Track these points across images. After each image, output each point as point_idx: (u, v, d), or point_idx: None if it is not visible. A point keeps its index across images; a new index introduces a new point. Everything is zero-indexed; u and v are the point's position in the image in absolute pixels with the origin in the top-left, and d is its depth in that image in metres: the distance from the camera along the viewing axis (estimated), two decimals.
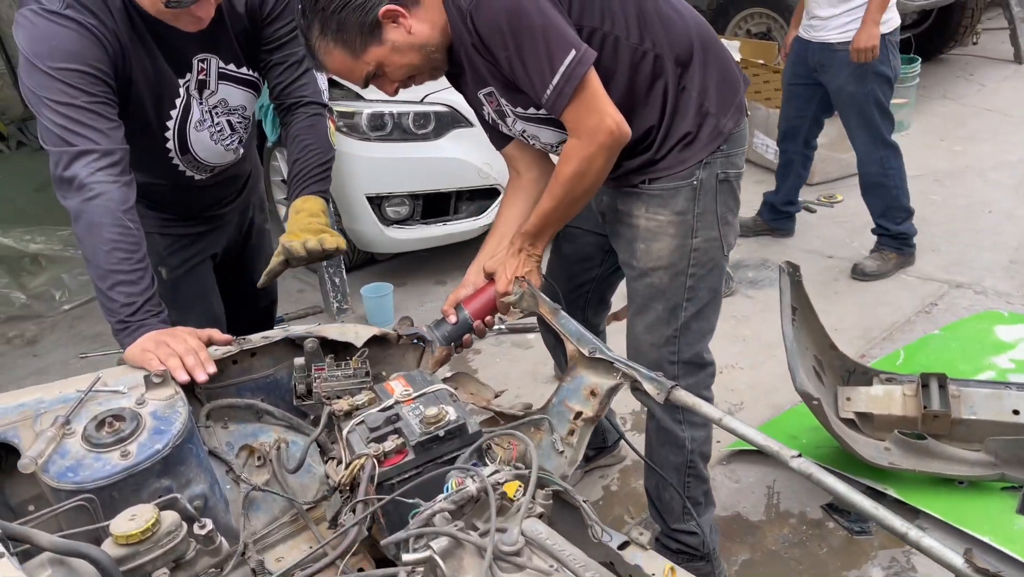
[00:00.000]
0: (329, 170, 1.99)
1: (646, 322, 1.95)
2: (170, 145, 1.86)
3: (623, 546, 1.58)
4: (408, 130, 3.66)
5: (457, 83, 1.87)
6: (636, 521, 2.49)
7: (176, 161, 1.91)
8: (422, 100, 3.66)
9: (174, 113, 1.83)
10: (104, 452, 1.31)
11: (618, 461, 2.72)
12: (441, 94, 3.66)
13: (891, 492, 2.39)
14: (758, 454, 2.64)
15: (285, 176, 4.08)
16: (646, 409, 2.22)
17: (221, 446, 1.59)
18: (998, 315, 3.17)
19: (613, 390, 1.60)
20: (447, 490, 1.25)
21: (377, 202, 3.73)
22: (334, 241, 1.84)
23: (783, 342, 2.25)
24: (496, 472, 1.26)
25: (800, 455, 1.36)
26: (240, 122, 1.99)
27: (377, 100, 3.67)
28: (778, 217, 4.12)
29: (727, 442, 2.73)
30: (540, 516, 1.24)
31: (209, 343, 1.64)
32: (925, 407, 2.38)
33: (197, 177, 1.99)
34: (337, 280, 3.78)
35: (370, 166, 3.67)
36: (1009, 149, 4.89)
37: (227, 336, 1.67)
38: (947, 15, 6.23)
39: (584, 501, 1.33)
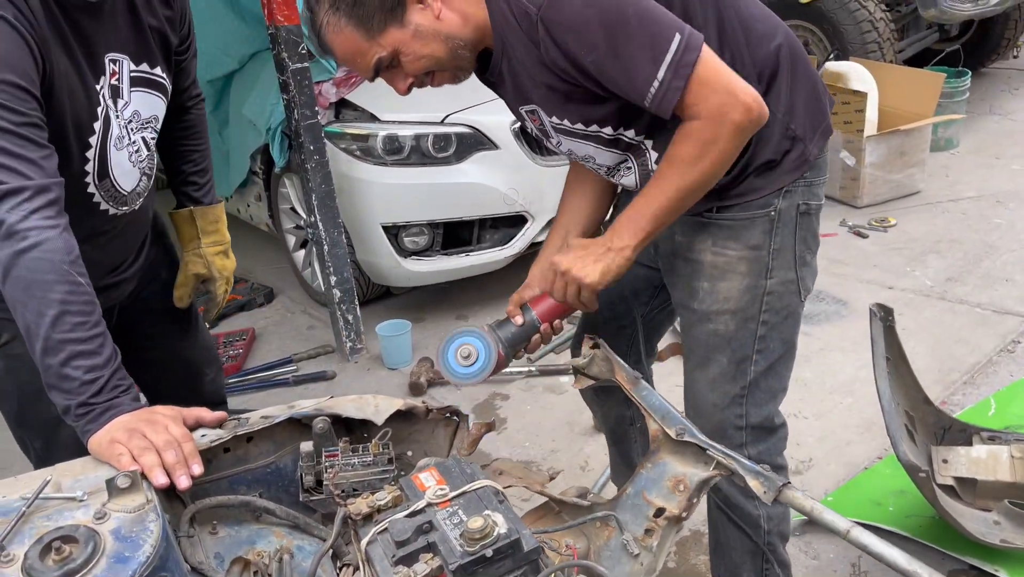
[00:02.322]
0: None
1: (708, 377, 1.64)
2: (89, 168, 1.49)
3: None
4: (427, 153, 3.35)
5: (496, 90, 1.60)
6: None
7: (92, 190, 1.53)
8: (443, 121, 3.35)
9: (97, 127, 1.48)
10: None
11: None
12: (463, 114, 3.36)
13: (1002, 573, 2.03)
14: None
15: (295, 203, 3.81)
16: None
17: (208, 560, 1.25)
18: None
19: (705, 483, 1.28)
20: None
21: (394, 232, 3.42)
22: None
23: (879, 401, 1.90)
24: None
25: None
26: (152, 138, 1.66)
27: (393, 122, 3.37)
28: None
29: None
30: None
31: (196, 426, 1.31)
32: None
33: (111, 212, 1.60)
34: (350, 317, 3.46)
35: (386, 193, 3.36)
36: None
37: (219, 414, 1.35)
38: (989, 27, 5.92)
39: None
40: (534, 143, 3.42)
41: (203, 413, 1.33)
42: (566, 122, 1.49)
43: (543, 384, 3.21)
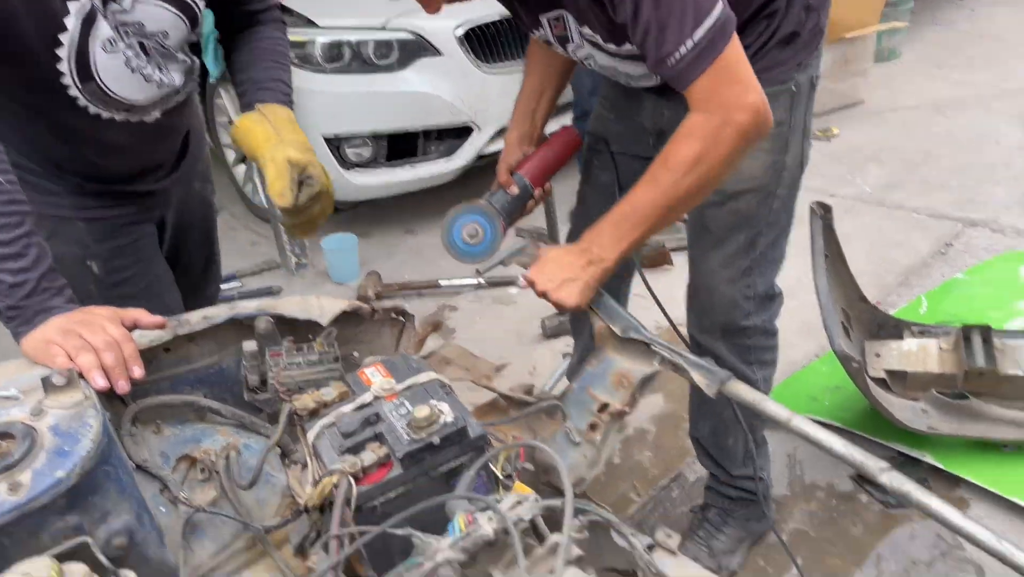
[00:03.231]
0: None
1: (724, 255, 1.66)
2: (63, 68, 1.40)
3: (648, 550, 1.31)
4: (368, 60, 3.25)
5: None
6: (642, 499, 2.22)
7: (76, 93, 1.42)
8: (384, 26, 3.24)
9: (70, 22, 1.38)
10: None
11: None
12: (405, 18, 3.25)
13: (928, 458, 2.15)
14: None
15: (232, 115, 3.68)
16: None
17: (153, 458, 1.25)
18: (1022, 256, 2.92)
19: (648, 379, 1.30)
20: (453, 528, 0.93)
21: (336, 143, 3.33)
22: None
23: (816, 296, 1.96)
24: (519, 502, 0.94)
25: (891, 467, 1.08)
26: (157, 48, 1.52)
27: (332, 27, 3.25)
28: None
29: None
30: (579, 561, 0.93)
31: (133, 328, 1.28)
32: (968, 364, 2.12)
33: (106, 116, 1.49)
34: None
35: (326, 102, 3.26)
36: (1008, 77, 4.63)
37: (158, 318, 1.32)
38: None
39: (632, 534, 1.03)
40: (479, 50, 3.34)
41: (141, 315, 1.30)
42: (599, 37, 1.40)
43: (492, 295, 3.22)
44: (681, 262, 3.10)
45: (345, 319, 1.47)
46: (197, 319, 1.34)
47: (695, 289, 1.75)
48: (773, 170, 1.58)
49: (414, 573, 0.88)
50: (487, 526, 0.91)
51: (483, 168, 3.74)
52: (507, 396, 1.52)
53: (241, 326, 1.37)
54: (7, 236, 1.19)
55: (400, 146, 3.45)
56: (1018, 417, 2.12)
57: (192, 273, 1.91)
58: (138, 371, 1.21)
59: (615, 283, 1.88)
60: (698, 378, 1.21)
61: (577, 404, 1.37)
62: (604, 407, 1.32)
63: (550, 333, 2.91)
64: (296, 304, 1.41)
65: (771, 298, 1.77)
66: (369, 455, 1.12)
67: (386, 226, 3.76)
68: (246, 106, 1.56)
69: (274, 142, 1.50)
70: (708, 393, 1.21)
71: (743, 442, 1.85)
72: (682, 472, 2.29)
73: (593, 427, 1.34)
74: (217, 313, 1.35)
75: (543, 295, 1.37)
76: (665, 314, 1.66)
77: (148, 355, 1.26)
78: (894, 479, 1.02)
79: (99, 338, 1.19)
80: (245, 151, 1.53)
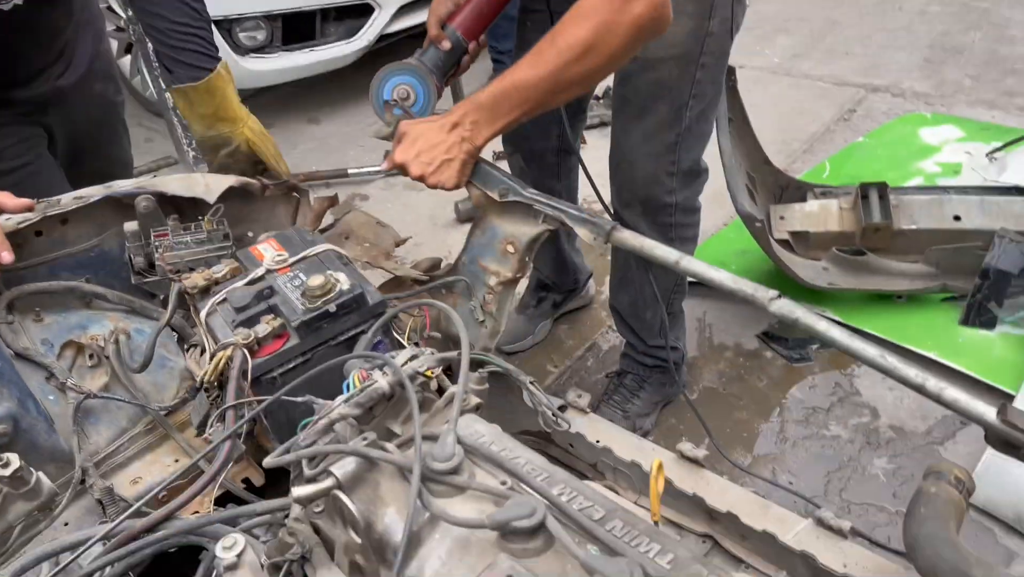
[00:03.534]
0: None
1: (645, 129, 1.60)
2: None
3: (559, 411, 1.33)
4: None
5: None
6: (559, 369, 2.26)
7: None
8: None
9: None
10: None
11: (587, 303, 2.46)
12: None
13: (829, 313, 2.23)
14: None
15: (110, 1, 3.38)
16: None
17: (34, 346, 1.19)
18: (921, 117, 2.99)
19: (535, 240, 1.28)
20: (348, 387, 0.92)
21: (226, 26, 3.13)
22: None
23: (720, 159, 1.96)
24: (414, 356, 0.93)
25: (781, 295, 1.09)
26: None
27: None
28: None
29: None
30: (477, 409, 0.93)
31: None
32: (866, 220, 2.19)
33: None
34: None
35: None
36: None
37: (24, 201, 1.23)
38: None
39: (531, 381, 1.03)
40: None
41: (5, 198, 1.21)
42: None
43: (403, 182, 3.14)
44: (594, 141, 3.09)
45: (235, 197, 1.40)
46: (68, 199, 1.25)
47: (616, 163, 1.69)
48: (695, 37, 1.50)
49: (307, 433, 0.86)
50: (382, 381, 0.89)
51: (387, 51, 3.59)
52: (411, 277, 1.49)
53: (121, 206, 1.29)
54: None
55: (296, 28, 3.26)
56: (911, 269, 2.21)
57: (100, 177, 1.79)
58: (7, 256, 1.14)
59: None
60: (584, 232, 1.19)
61: (471, 277, 1.35)
62: (496, 276, 1.30)
63: (464, 217, 2.87)
64: (179, 181, 1.33)
65: (696, 175, 1.71)
66: (263, 327, 1.09)
67: (287, 116, 3.60)
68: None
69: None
70: (596, 246, 1.20)
71: (659, 315, 1.86)
72: (596, 342, 2.33)
73: (489, 297, 1.33)
74: (91, 192, 1.27)
75: (420, 179, 1.27)
76: (593, 185, 1.64)
77: (17, 239, 1.19)
78: (783, 306, 1.04)
79: None
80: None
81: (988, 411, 0.94)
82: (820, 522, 1.08)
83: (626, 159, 1.66)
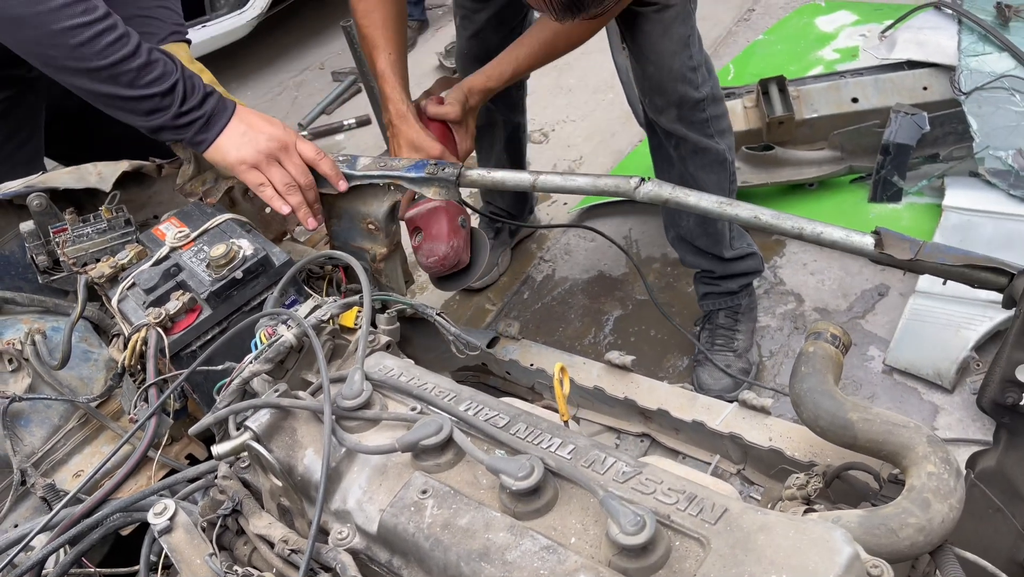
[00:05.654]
0: None
1: (663, 22, 1.60)
2: None
3: (492, 343, 1.37)
4: None
5: None
6: (497, 306, 2.30)
7: None
8: None
9: None
10: None
11: (534, 227, 2.47)
12: None
13: None
14: (608, 207, 2.47)
15: None
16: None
17: None
18: (815, 7, 3.03)
19: (391, 211, 1.29)
20: (256, 345, 0.94)
21: None
22: None
23: (618, 76, 1.99)
24: (316, 307, 0.96)
25: (644, 179, 1.12)
26: None
27: None
28: None
29: (573, 204, 2.54)
30: (387, 347, 0.97)
31: None
32: (768, 115, 2.24)
33: None
34: None
35: None
36: None
37: None
38: None
39: (438, 314, 1.07)
40: None
41: None
42: None
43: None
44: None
45: (132, 182, 1.40)
46: None
47: (643, 71, 1.68)
48: None
49: (223, 395, 0.89)
50: (288, 334, 0.92)
51: (285, 14, 3.50)
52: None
53: (13, 208, 1.28)
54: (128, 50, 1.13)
55: (185, 5, 3.16)
56: (818, 156, 2.28)
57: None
58: None
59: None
60: (431, 192, 1.18)
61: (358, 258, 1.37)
62: (374, 255, 1.32)
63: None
64: (69, 174, 1.32)
65: (709, 64, 1.74)
66: (174, 304, 1.11)
67: None
68: None
69: None
70: (451, 196, 1.20)
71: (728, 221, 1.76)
72: (530, 274, 2.38)
73: (378, 272, 1.35)
74: None
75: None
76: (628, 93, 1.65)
77: None
78: (650, 191, 1.07)
79: None
80: None
81: (866, 241, 1.00)
82: (744, 404, 1.14)
83: (652, 61, 1.64)
